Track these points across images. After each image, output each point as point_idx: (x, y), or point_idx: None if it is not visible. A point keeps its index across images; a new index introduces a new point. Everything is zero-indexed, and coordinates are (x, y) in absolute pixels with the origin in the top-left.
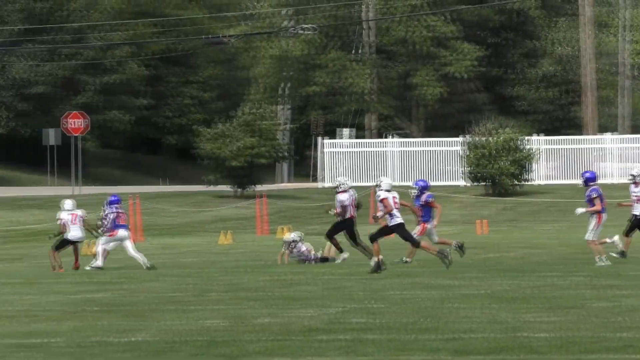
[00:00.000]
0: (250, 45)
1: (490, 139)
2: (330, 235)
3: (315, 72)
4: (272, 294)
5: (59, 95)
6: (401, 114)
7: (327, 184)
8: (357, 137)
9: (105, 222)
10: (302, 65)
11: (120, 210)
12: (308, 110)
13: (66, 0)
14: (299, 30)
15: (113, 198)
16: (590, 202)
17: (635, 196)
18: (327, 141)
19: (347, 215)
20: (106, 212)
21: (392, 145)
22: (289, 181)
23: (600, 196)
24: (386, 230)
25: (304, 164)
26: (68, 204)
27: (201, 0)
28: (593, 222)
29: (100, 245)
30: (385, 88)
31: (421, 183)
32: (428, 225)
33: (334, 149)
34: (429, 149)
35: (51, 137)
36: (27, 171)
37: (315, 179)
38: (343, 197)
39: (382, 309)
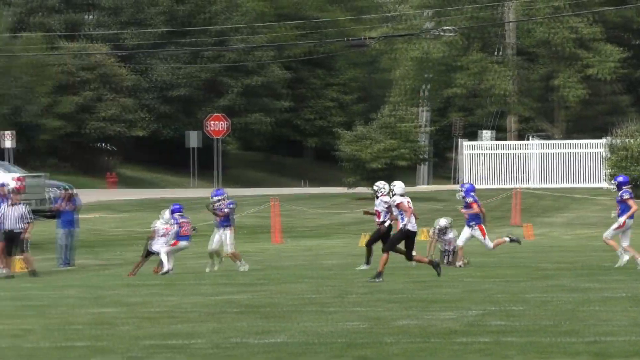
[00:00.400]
0: (391, 48)
1: (632, 141)
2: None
3: (455, 74)
4: (411, 296)
5: (201, 98)
6: (542, 116)
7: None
8: (497, 139)
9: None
10: (443, 67)
11: (183, 219)
12: (448, 112)
13: (208, 2)
14: (440, 32)
15: (175, 207)
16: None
17: None
18: (467, 143)
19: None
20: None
21: (533, 147)
22: (428, 183)
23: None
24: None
25: (444, 166)
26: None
27: (342, 3)
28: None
29: (162, 251)
30: (526, 90)
31: (467, 185)
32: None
33: (474, 151)
34: (570, 150)
35: (193, 139)
36: (170, 173)
37: (457, 181)
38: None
39: (521, 311)
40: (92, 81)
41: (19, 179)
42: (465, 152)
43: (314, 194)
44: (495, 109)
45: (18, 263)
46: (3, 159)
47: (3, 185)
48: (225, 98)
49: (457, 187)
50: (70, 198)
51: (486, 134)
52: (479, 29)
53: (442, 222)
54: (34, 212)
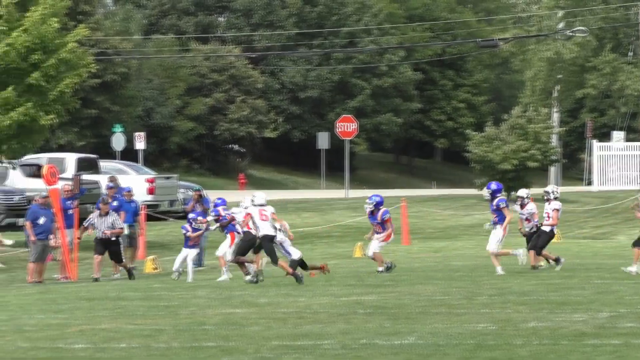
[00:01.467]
0: (522, 49)
1: None
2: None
3: (587, 75)
4: (541, 298)
5: (330, 99)
6: None
7: (599, 187)
8: (628, 140)
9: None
10: (575, 68)
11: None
12: (579, 113)
13: (339, 4)
14: (572, 33)
15: (218, 201)
16: None
17: None
18: (598, 144)
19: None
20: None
21: None
22: (558, 185)
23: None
24: None
25: (575, 167)
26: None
27: (473, 4)
28: None
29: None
30: None
31: (376, 198)
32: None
33: (605, 152)
34: None
35: (323, 140)
36: (299, 174)
37: (589, 183)
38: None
39: None
40: (223, 83)
41: (150, 180)
42: (596, 153)
43: (443, 195)
44: (627, 110)
45: (149, 264)
46: (135, 161)
47: (129, 190)
48: (355, 99)
49: (589, 188)
50: (201, 199)
51: (617, 135)
52: (611, 30)
53: (522, 192)
54: (166, 213)
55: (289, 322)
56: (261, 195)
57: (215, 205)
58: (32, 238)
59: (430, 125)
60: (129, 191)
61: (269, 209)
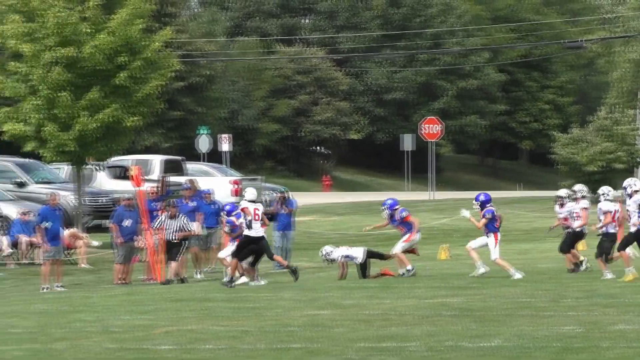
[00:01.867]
0: (608, 50)
1: None
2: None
3: None
4: (628, 300)
5: (415, 101)
6: None
7: None
8: None
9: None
10: None
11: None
12: None
13: (423, 5)
14: None
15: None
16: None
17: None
18: None
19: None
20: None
21: None
22: None
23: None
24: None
25: None
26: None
27: (558, 5)
28: None
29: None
30: None
31: (389, 201)
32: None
33: None
34: None
35: (407, 142)
36: (383, 176)
37: None
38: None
39: None
40: (307, 85)
41: (235, 182)
42: None
43: (528, 197)
44: None
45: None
46: (220, 163)
47: (209, 192)
48: (439, 101)
49: None
50: (285, 201)
51: None
52: None
53: (562, 192)
54: None
55: (374, 324)
56: (252, 191)
57: (228, 214)
58: (118, 240)
59: (516, 127)
60: (209, 193)
61: (260, 207)
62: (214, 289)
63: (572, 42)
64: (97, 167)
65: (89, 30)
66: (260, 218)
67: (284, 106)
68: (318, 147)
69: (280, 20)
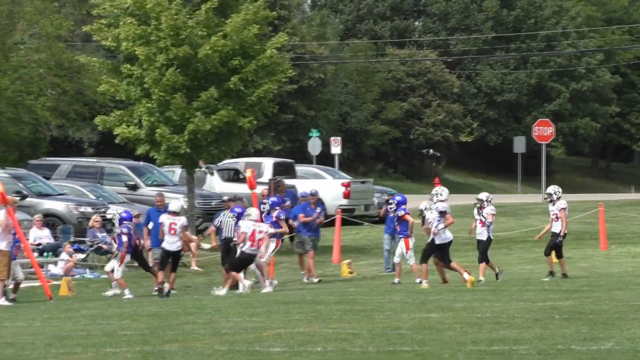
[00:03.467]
0: None
1: None
2: None
3: None
4: None
5: (527, 103)
6: None
7: None
8: None
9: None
10: None
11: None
12: None
13: (536, 7)
14: None
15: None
16: None
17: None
18: None
19: None
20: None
21: None
22: None
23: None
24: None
25: None
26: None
27: None
28: None
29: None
30: None
31: (397, 197)
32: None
33: None
34: None
35: (519, 144)
36: (495, 179)
37: None
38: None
39: None
40: (419, 87)
41: (345, 184)
42: None
43: None
44: None
45: (345, 268)
46: (331, 165)
47: (313, 193)
48: (552, 103)
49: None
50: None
51: None
52: None
53: (482, 195)
54: (361, 217)
55: (484, 327)
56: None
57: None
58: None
59: (630, 129)
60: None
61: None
62: (324, 292)
63: None
64: (208, 171)
65: (202, 33)
66: (176, 232)
67: (395, 108)
68: (430, 150)
69: (392, 23)
